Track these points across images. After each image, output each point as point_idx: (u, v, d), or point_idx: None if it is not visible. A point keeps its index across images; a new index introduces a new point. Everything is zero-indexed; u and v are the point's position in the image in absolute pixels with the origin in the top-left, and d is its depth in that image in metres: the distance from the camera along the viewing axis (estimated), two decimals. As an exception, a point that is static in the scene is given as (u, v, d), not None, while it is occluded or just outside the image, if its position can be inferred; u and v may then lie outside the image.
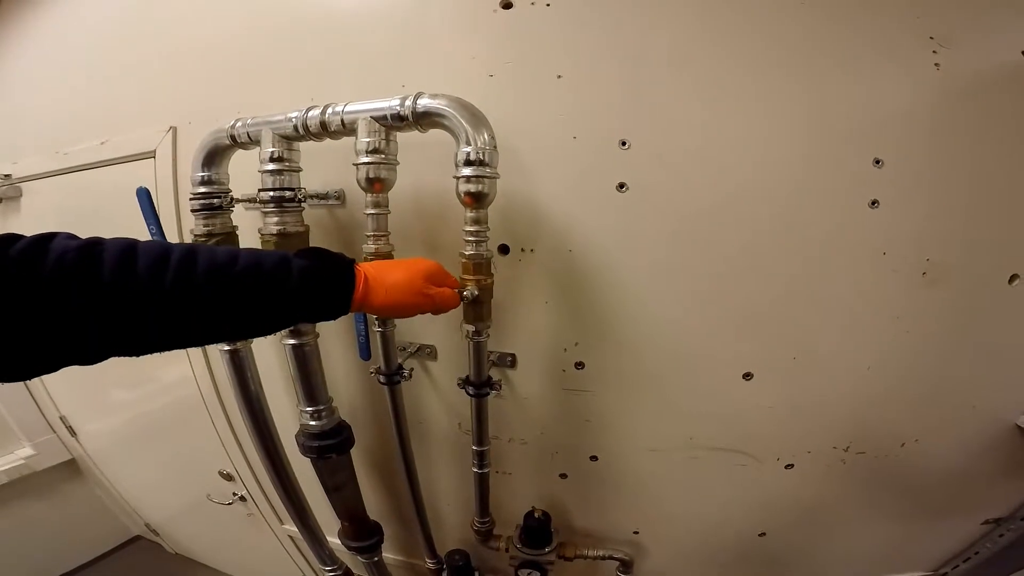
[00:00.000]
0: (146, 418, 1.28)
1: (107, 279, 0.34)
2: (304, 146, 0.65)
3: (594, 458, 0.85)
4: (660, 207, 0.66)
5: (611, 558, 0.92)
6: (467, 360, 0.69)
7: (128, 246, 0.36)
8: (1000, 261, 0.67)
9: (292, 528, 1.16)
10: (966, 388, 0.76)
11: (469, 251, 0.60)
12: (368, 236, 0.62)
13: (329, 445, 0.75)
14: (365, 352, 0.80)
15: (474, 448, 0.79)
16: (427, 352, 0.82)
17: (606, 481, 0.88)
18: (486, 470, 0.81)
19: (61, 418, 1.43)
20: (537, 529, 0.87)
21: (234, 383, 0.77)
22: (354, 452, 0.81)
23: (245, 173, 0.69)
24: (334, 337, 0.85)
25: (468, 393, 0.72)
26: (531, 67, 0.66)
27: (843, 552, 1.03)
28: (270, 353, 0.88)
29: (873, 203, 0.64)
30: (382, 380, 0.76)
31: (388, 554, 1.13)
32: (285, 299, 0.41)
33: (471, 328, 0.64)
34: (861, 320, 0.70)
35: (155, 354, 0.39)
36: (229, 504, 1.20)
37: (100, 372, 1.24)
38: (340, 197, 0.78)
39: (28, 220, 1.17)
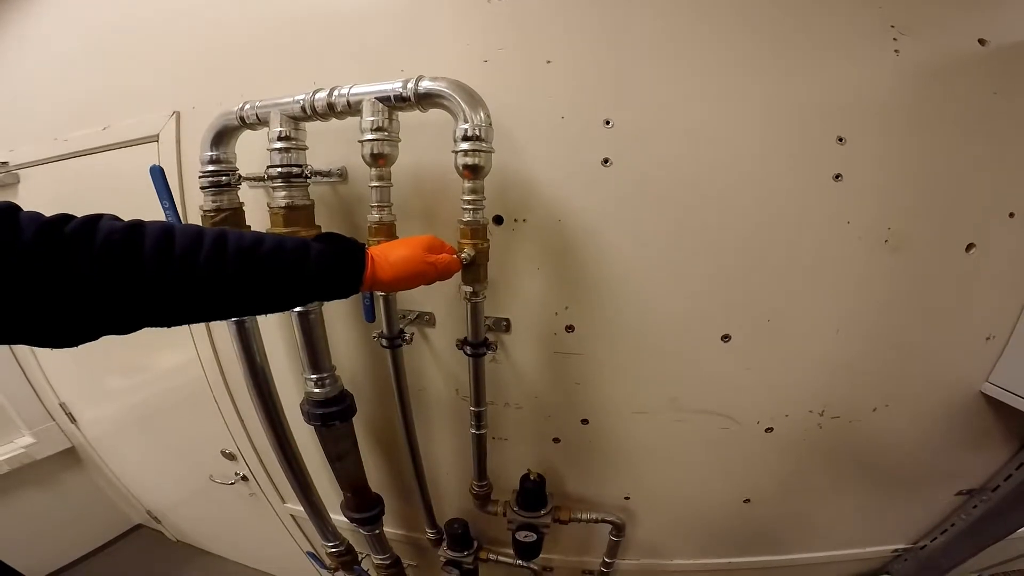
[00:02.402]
0: (147, 403, 1.30)
1: (148, 256, 0.37)
2: (308, 127, 0.69)
3: (585, 421, 0.90)
4: (641, 181, 0.71)
5: (604, 521, 0.96)
6: (465, 323, 0.73)
7: (167, 227, 0.39)
8: (956, 231, 0.73)
9: (294, 507, 1.20)
10: (931, 353, 0.82)
11: (467, 218, 0.64)
12: (372, 207, 0.66)
13: (333, 412, 0.79)
14: (370, 314, 0.84)
15: (472, 409, 0.83)
16: (426, 319, 0.86)
17: (597, 445, 0.92)
18: (483, 431, 0.85)
19: (61, 405, 1.44)
20: (533, 491, 0.91)
21: (240, 356, 0.80)
22: (356, 424, 0.85)
23: (250, 155, 0.73)
24: (337, 308, 0.89)
25: (466, 353, 0.76)
26: (522, 53, 0.70)
27: (825, 522, 1.07)
28: (274, 327, 0.91)
29: (837, 176, 0.69)
30: (384, 343, 0.80)
31: (389, 528, 1.16)
32: (304, 279, 0.45)
33: (469, 289, 0.68)
34: (829, 285, 0.75)
35: (162, 332, 0.43)
36: (231, 484, 1.22)
37: (100, 358, 1.27)
38: (342, 174, 0.81)
39: (26, 208, 1.18)
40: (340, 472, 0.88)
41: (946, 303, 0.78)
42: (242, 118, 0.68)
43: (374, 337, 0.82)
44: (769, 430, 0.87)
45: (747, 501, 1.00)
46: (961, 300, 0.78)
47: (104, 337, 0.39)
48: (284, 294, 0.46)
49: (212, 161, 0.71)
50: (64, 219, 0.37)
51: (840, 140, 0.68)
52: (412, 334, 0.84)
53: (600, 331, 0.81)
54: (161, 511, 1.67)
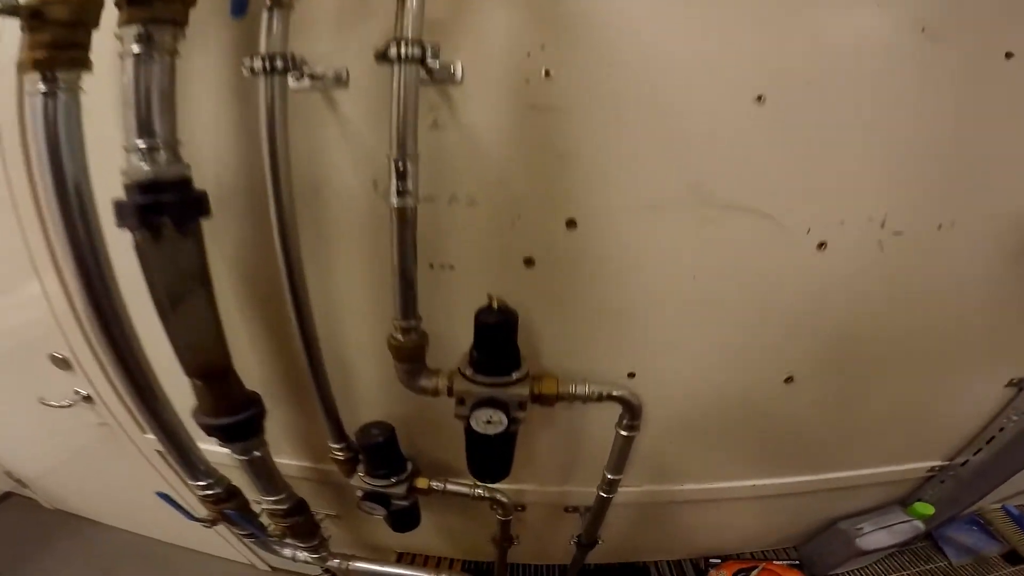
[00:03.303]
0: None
1: None
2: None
3: (572, 224, 0.60)
4: None
5: (610, 397, 0.63)
6: (395, 19, 0.44)
7: None
8: (994, 37, 0.57)
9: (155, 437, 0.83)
10: (987, 168, 0.64)
11: None
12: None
13: (163, 203, 0.46)
14: (237, 6, 0.52)
15: (394, 162, 0.48)
16: (337, 79, 0.54)
17: (590, 266, 0.64)
18: (408, 203, 0.50)
19: None
20: (497, 336, 0.57)
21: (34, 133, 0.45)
22: (225, 281, 0.56)
23: None
24: (203, 66, 0.56)
25: (388, 59, 0.44)
26: None
27: (865, 421, 0.89)
28: (107, 119, 0.56)
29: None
30: (255, 69, 0.48)
31: (287, 459, 0.86)
32: None
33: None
34: (869, 59, 0.55)
35: None
36: (69, 407, 0.85)
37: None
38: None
39: None
40: (180, 335, 0.52)
41: (995, 105, 0.61)
42: None
43: (245, 68, 0.49)
44: (822, 246, 0.63)
45: (789, 380, 0.76)
46: (1011, 103, 0.61)
47: None
48: None
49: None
50: None
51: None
52: (298, 60, 0.51)
53: (592, 78, 0.54)
54: (28, 477, 1.34)
